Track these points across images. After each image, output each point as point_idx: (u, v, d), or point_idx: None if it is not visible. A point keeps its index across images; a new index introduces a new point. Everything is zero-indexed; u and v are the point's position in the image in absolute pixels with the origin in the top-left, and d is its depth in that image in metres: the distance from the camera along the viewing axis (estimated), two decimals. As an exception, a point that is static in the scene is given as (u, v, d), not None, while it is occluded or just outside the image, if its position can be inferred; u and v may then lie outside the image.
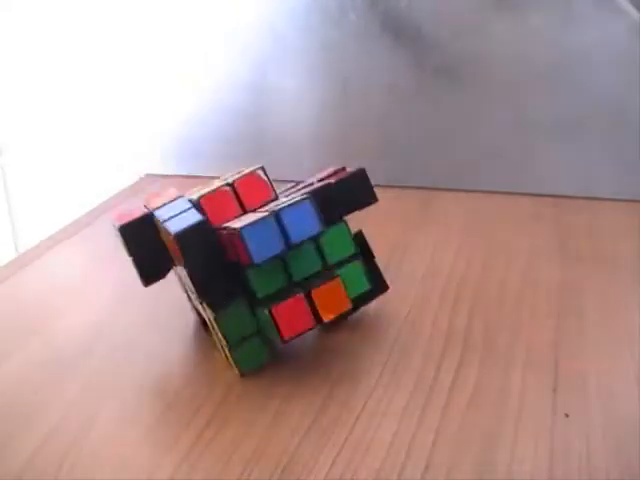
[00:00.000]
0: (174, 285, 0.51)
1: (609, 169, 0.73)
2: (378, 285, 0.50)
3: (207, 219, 0.43)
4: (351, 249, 0.45)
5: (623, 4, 0.68)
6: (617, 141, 0.72)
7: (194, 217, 0.43)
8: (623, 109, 0.71)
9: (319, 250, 0.44)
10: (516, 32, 0.71)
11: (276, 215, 0.40)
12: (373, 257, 0.49)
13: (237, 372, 0.44)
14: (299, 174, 0.76)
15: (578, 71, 0.71)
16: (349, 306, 0.43)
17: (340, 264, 0.45)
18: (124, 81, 0.82)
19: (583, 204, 0.71)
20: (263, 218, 0.40)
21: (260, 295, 0.43)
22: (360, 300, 0.49)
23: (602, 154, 0.72)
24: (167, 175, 0.82)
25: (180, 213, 0.44)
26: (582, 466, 0.37)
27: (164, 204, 0.46)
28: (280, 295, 0.42)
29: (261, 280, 0.43)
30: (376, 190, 0.48)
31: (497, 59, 0.72)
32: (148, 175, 0.83)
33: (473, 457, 0.37)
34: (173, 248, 0.43)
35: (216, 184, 0.46)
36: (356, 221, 0.47)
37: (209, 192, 0.45)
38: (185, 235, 0.42)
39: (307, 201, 0.40)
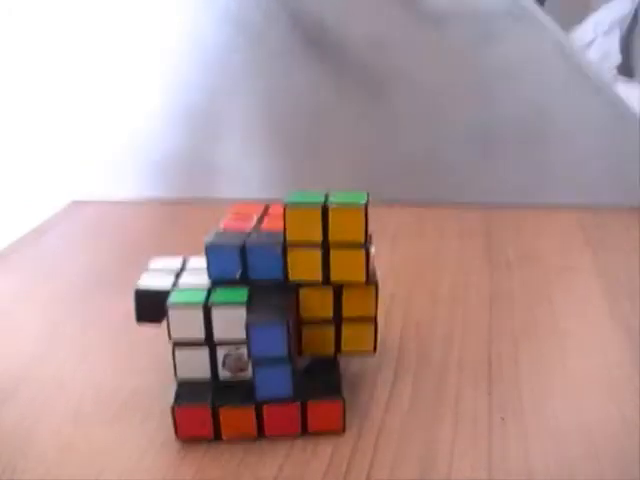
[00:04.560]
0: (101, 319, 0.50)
1: (531, 179, 0.74)
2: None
3: None
4: None
5: (543, 20, 0.69)
6: (537, 151, 0.73)
7: None
8: (543, 122, 0.72)
9: None
10: (438, 47, 0.72)
11: None
12: None
13: None
14: (242, 192, 0.76)
15: (499, 86, 0.72)
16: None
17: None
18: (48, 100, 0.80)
19: (507, 212, 0.73)
20: None
21: None
22: None
23: (524, 165, 0.74)
24: (95, 201, 0.81)
25: None
26: (520, 467, 0.37)
27: None
28: None
29: None
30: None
31: (419, 73, 0.73)
32: (75, 202, 0.81)
33: (413, 468, 0.37)
34: None
35: None
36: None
37: None
38: None
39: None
